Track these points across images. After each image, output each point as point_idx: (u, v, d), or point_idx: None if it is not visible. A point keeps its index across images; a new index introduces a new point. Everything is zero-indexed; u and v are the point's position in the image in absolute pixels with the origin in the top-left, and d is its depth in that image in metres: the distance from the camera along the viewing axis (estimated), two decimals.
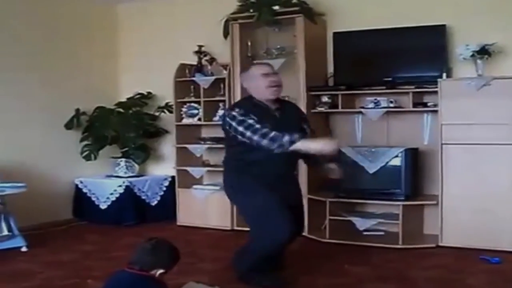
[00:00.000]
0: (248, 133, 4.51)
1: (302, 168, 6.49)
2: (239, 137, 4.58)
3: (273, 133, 4.43)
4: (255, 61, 4.53)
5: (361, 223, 6.27)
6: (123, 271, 3.56)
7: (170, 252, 3.69)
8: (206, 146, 7.34)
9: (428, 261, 5.51)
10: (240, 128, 4.55)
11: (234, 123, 4.59)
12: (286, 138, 4.39)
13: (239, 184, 4.78)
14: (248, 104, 4.75)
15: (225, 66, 7.14)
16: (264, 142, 4.44)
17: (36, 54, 7.24)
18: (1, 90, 6.87)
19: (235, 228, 7.02)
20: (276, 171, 4.70)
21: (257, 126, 4.50)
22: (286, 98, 6.52)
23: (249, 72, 4.87)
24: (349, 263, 5.42)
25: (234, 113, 4.64)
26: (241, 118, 4.57)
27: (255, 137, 4.47)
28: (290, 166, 4.96)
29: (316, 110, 6.65)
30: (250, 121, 4.53)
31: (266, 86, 4.68)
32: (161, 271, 3.57)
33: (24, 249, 6.08)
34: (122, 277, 3.57)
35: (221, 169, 6.86)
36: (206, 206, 7.17)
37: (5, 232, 6.02)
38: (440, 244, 5.93)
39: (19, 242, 6.09)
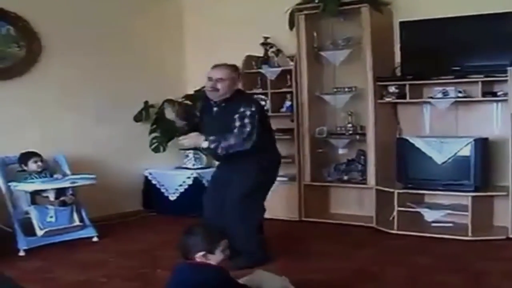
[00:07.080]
0: None
1: (371, 160, 6.50)
2: None
3: None
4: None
5: (429, 215, 6.22)
6: (186, 264, 3.58)
7: (214, 232, 3.70)
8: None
9: (498, 253, 5.43)
10: None
11: None
12: None
13: None
14: (204, 99, 5.49)
15: (291, 58, 7.13)
16: None
17: (106, 49, 7.36)
18: (73, 86, 7.03)
19: (303, 219, 7.02)
20: None
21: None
22: (349, 88, 6.58)
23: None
24: (418, 255, 5.40)
25: None
26: None
27: None
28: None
29: (383, 101, 6.59)
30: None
31: (207, 88, 5.26)
32: (202, 253, 3.55)
33: (95, 239, 6.22)
34: (182, 269, 3.60)
35: (289, 160, 6.85)
36: (274, 197, 7.12)
37: (77, 222, 6.16)
38: (511, 236, 5.82)
39: (91, 232, 6.23)
